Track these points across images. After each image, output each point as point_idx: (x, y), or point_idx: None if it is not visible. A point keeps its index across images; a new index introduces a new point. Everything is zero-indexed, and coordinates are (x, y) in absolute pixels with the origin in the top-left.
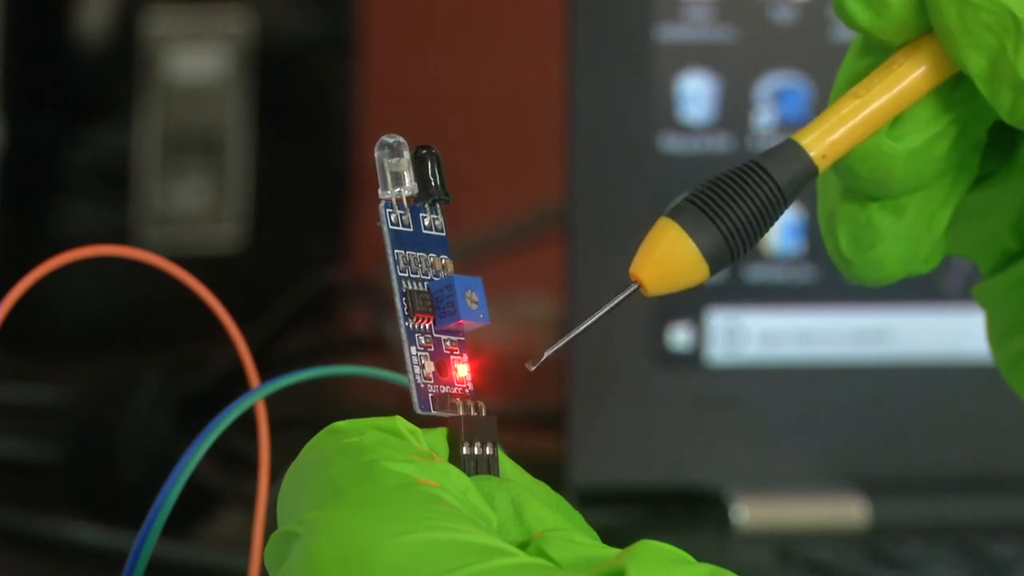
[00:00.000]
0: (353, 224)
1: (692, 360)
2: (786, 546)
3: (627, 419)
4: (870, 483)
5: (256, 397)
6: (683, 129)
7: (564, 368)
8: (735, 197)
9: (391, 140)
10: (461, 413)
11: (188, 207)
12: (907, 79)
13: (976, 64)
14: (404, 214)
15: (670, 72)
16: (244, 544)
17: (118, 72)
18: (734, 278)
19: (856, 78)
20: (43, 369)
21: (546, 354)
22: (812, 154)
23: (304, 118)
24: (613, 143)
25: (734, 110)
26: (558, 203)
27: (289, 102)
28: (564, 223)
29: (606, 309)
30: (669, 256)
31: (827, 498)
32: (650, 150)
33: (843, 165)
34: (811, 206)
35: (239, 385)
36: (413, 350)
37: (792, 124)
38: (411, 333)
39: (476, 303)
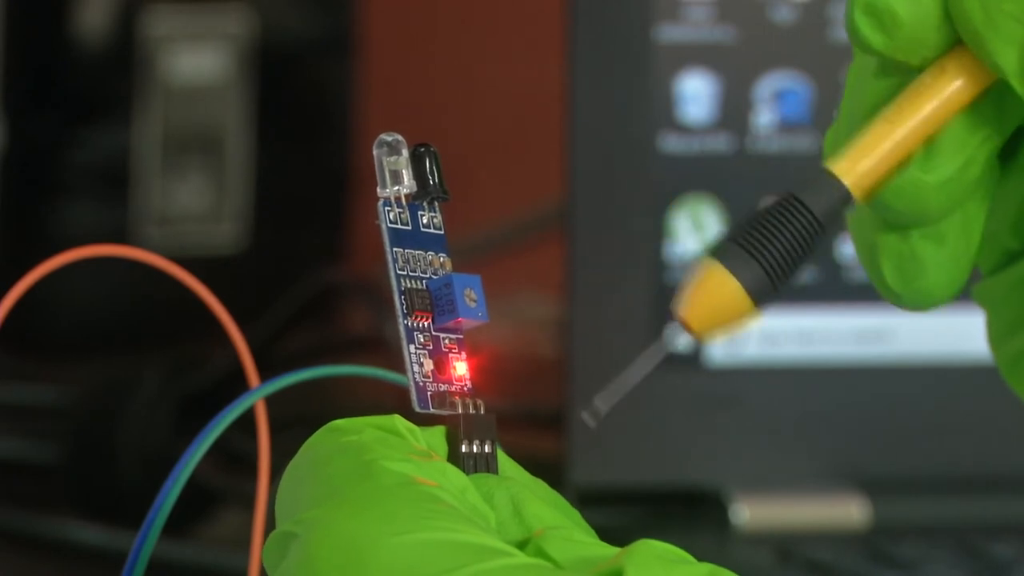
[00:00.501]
0: (353, 224)
1: (692, 360)
2: (786, 546)
3: (627, 419)
4: (870, 483)
5: (256, 397)
6: (683, 129)
7: (564, 368)
8: (774, 232)
9: (390, 138)
10: (460, 411)
11: (188, 207)
12: (936, 99)
13: (1007, 59)
14: (403, 212)
15: (670, 72)
16: (244, 544)
17: (118, 72)
18: None
19: (877, 100)
20: (43, 369)
21: (601, 406)
22: (847, 182)
23: (304, 118)
24: (613, 143)
25: (734, 110)
26: (558, 203)
27: (289, 102)
28: (564, 223)
29: (660, 358)
30: (714, 297)
31: (827, 498)
32: (650, 150)
33: (878, 201)
34: None
35: (239, 385)
36: (412, 348)
37: (792, 124)
38: (410, 331)
39: (475, 301)
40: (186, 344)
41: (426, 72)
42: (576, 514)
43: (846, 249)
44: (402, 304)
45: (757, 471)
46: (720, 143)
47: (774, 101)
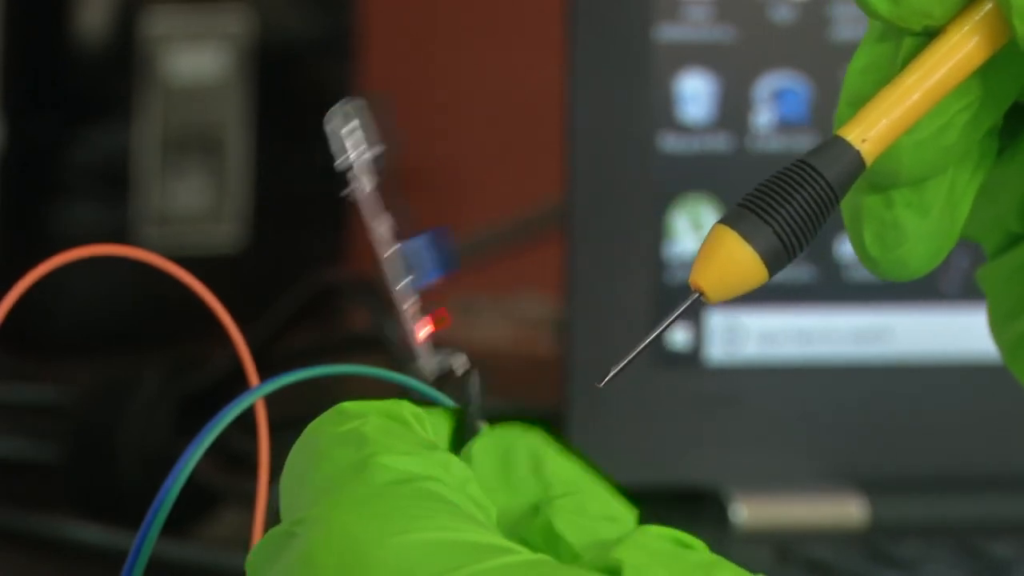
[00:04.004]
0: (353, 224)
1: (691, 360)
2: (785, 545)
3: (627, 419)
4: (869, 482)
5: (256, 396)
6: (683, 129)
7: (564, 368)
8: (786, 197)
9: (342, 107)
10: (461, 368)
11: (188, 207)
12: (944, 68)
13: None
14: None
15: (670, 72)
16: (244, 544)
17: (118, 72)
18: None
19: (874, 64)
20: (43, 369)
21: (613, 371)
22: (857, 148)
23: (304, 118)
24: (613, 143)
25: (733, 110)
26: (558, 203)
27: (289, 102)
28: (564, 223)
29: (671, 320)
30: (727, 262)
31: (826, 497)
32: (650, 150)
33: None
34: None
35: (239, 385)
36: (411, 313)
37: (791, 124)
38: (405, 297)
39: (445, 253)
40: (186, 344)
41: (426, 72)
42: (597, 476)
43: (845, 248)
44: (396, 271)
45: (756, 470)
46: (719, 143)
47: (773, 101)
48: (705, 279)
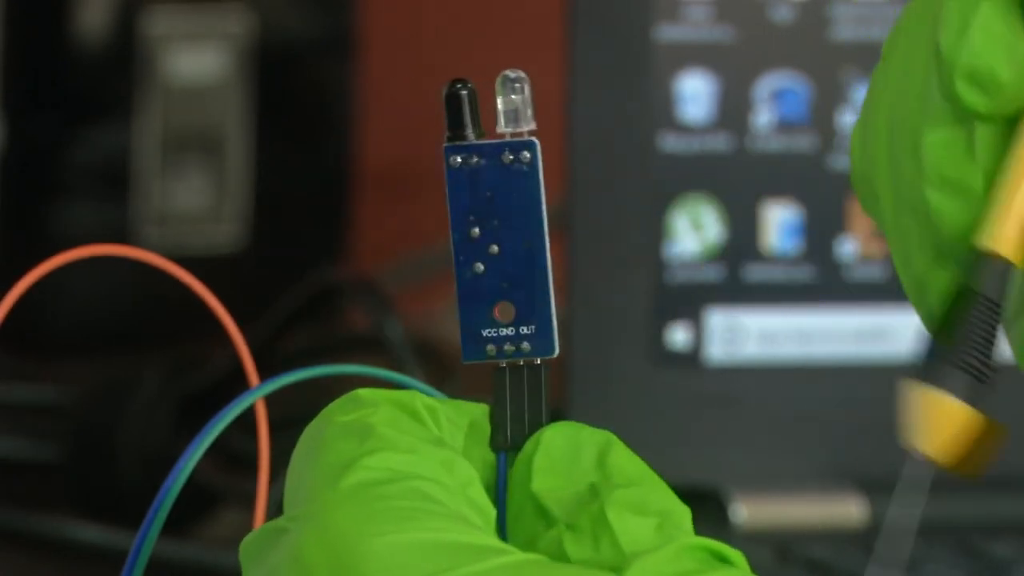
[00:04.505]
0: (353, 224)
1: (691, 359)
2: (785, 545)
3: (626, 418)
4: (869, 482)
5: (256, 396)
6: (683, 129)
7: (564, 368)
8: (965, 336)
9: (513, 75)
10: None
11: (188, 207)
12: None
13: None
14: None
15: (669, 72)
16: None
17: (118, 72)
18: (733, 277)
19: (955, 147)
20: (43, 369)
21: (871, 566)
22: (1002, 253)
23: (304, 118)
24: (613, 143)
25: (733, 110)
26: (558, 203)
27: (289, 102)
28: (564, 223)
29: (909, 493)
30: (946, 424)
31: (826, 497)
32: (650, 150)
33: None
34: (810, 204)
35: (239, 385)
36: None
37: (791, 124)
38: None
39: None
40: (186, 344)
41: (426, 72)
42: (664, 485)
43: (845, 248)
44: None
45: (756, 470)
46: (719, 143)
47: (773, 101)
48: (934, 448)
